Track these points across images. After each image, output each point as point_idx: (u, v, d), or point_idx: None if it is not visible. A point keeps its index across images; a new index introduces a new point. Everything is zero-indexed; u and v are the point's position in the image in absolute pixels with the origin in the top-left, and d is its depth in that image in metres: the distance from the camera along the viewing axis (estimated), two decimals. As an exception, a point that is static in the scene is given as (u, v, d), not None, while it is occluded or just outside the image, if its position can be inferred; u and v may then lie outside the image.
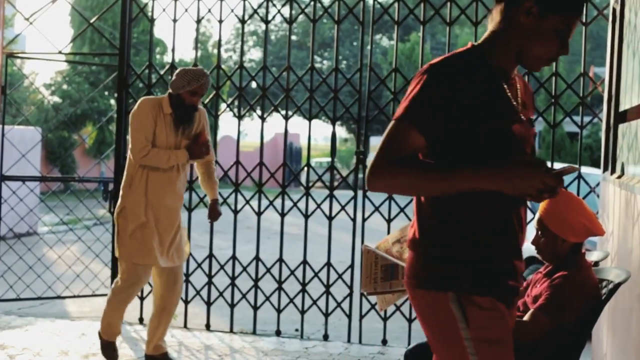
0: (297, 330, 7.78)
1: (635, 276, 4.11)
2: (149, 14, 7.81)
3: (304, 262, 7.43)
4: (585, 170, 7.63)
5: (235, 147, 7.82)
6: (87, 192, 8.92)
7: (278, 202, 7.56)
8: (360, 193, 7.40)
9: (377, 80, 7.45)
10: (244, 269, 7.54)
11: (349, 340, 7.39)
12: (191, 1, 7.61)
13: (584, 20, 6.99)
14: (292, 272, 7.47)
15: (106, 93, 31.97)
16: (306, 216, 7.44)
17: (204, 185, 6.45)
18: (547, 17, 2.73)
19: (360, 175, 7.27)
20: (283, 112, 7.70)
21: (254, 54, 54.36)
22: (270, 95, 7.82)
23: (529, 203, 7.26)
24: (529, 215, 7.39)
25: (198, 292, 7.64)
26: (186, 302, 7.67)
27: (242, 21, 7.62)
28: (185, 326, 7.67)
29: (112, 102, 31.37)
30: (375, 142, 39.91)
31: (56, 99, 30.74)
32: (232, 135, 35.37)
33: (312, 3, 7.46)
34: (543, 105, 30.28)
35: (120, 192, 6.09)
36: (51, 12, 62.55)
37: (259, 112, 7.80)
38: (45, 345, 6.86)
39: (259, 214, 7.57)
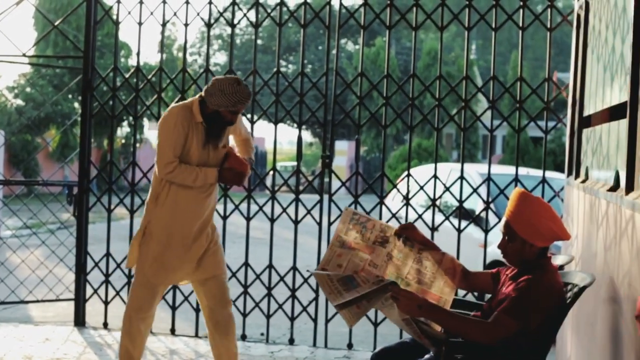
0: (262, 334, 7.77)
1: (600, 280, 4.14)
2: (114, 16, 7.77)
3: (270, 266, 7.42)
4: (549, 174, 7.70)
5: (200, 150, 7.78)
6: (51, 196, 8.85)
7: (243, 206, 7.56)
8: (325, 197, 7.41)
9: (342, 85, 7.48)
10: (210, 273, 7.51)
11: (314, 344, 7.39)
12: (157, 4, 7.59)
13: (548, 26, 7.06)
14: (258, 276, 7.47)
15: (70, 96, 31.78)
16: (272, 220, 7.44)
17: (239, 150, 5.97)
18: None
19: (326, 180, 7.29)
20: (249, 116, 7.69)
21: (219, 58, 54.20)
22: (236, 99, 7.79)
23: (492, 206, 7.33)
24: (494, 219, 7.47)
25: (163, 297, 7.59)
26: (151, 306, 7.63)
27: (208, 25, 7.60)
28: (150, 331, 7.62)
29: (76, 105, 31.18)
30: (341, 146, 39.99)
31: (19, 101, 30.47)
32: (197, 138, 35.21)
33: (278, 7, 7.46)
34: (507, 110, 30.56)
35: (145, 207, 5.56)
36: (15, 14, 62.04)
37: (224, 115, 7.77)
38: (8, 350, 6.80)
39: (224, 217, 7.55)
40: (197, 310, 7.53)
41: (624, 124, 3.98)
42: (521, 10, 7.13)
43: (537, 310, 3.77)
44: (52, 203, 8.74)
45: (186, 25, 7.60)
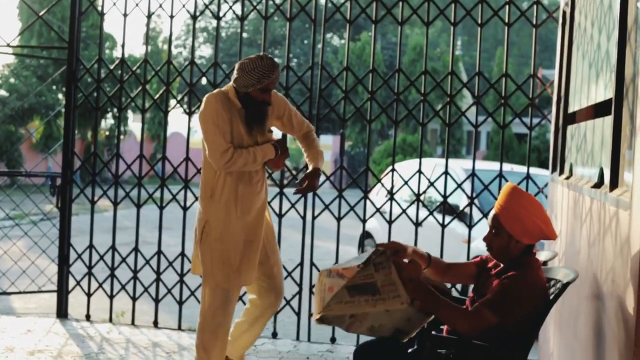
0: (245, 327, 7.75)
1: (583, 276, 4.15)
2: (99, 7, 7.73)
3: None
4: (533, 171, 7.73)
5: (185, 143, 7.78)
6: (34, 187, 8.81)
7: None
8: (310, 191, 7.39)
9: (328, 79, 7.47)
10: (193, 266, 7.50)
11: (297, 338, 7.38)
12: (142, -4, 7.57)
13: (534, 23, 7.07)
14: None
15: (54, 87, 31.67)
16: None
17: (306, 155, 5.68)
18: None
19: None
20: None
21: (205, 51, 54.16)
22: (221, 91, 7.78)
23: (476, 201, 7.34)
24: (478, 214, 7.47)
25: (146, 289, 7.59)
26: (134, 299, 7.62)
27: (194, 17, 7.58)
28: (132, 323, 7.61)
29: (60, 96, 31.07)
30: (326, 141, 39.97)
31: (3, 92, 30.34)
32: (182, 131, 35.21)
33: (263, 0, 7.44)
34: (492, 106, 30.63)
35: (200, 204, 5.30)
36: (-1, 4, 61.66)
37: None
38: (-11, 342, 6.77)
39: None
40: (180, 303, 7.52)
41: (608, 121, 3.99)
42: (507, 7, 7.14)
43: (518, 307, 3.77)
44: (35, 194, 8.71)
45: (171, 17, 7.57)
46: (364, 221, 7.47)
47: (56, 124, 30.17)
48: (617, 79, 3.77)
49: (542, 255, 4.65)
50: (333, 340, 7.28)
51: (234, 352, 5.58)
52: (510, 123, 7.39)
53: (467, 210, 7.69)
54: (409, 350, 4.03)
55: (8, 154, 26.81)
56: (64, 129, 7.78)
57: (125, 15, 7.60)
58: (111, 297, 7.70)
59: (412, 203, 7.39)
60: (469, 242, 7.28)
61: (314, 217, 7.30)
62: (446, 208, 7.38)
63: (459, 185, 7.28)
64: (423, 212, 8.02)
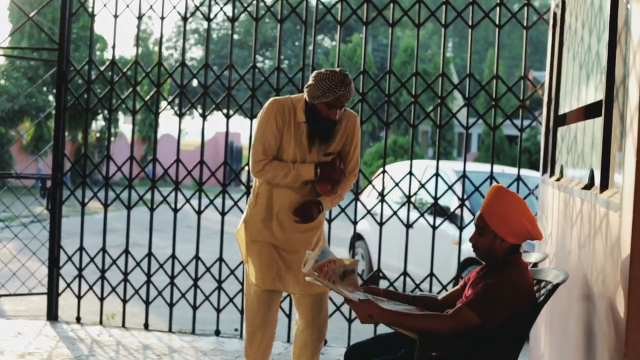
0: (236, 329, 7.76)
1: (573, 277, 4.16)
2: (90, 9, 7.71)
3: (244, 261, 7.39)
4: (524, 172, 7.74)
5: (175, 145, 7.77)
6: (24, 189, 8.76)
7: (218, 201, 7.53)
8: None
9: (319, 80, 7.45)
10: (184, 268, 7.50)
11: (288, 340, 7.38)
12: (133, -3, 7.56)
13: (525, 24, 7.08)
14: (232, 272, 7.44)
15: (45, 89, 31.53)
16: (247, 215, 7.40)
17: None
18: None
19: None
20: (224, 111, 7.67)
21: (196, 52, 54.03)
22: (211, 93, 7.78)
23: (467, 203, 7.33)
24: (469, 216, 7.48)
25: (137, 291, 7.57)
26: (124, 301, 7.60)
27: (184, 18, 7.57)
28: (123, 325, 7.59)
29: (51, 98, 30.94)
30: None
31: (-7, 93, 30.23)
32: (173, 133, 35.16)
33: (254, 2, 7.43)
34: (483, 108, 30.67)
35: (247, 205, 5.18)
36: (-11, 5, 61.49)
37: (200, 110, 7.75)
38: (-21, 345, 6.75)
39: (199, 212, 7.52)
40: (171, 305, 7.50)
41: (599, 122, 3.99)
42: (498, 8, 7.14)
43: (501, 307, 3.76)
44: (26, 196, 8.67)
45: (162, 18, 7.56)
46: (354, 223, 7.46)
47: (47, 125, 30.07)
48: (607, 80, 3.78)
49: (532, 257, 4.65)
50: (324, 342, 7.27)
51: None
52: (501, 125, 7.41)
53: (458, 212, 7.69)
54: (401, 352, 4.03)
55: (-2, 155, 26.71)
56: (54, 131, 7.75)
57: (115, 16, 7.59)
58: (101, 299, 7.68)
59: (403, 205, 7.39)
60: (459, 243, 7.29)
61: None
62: (437, 210, 7.38)
63: (450, 187, 7.29)
64: (414, 214, 8.01)
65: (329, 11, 7.36)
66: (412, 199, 7.36)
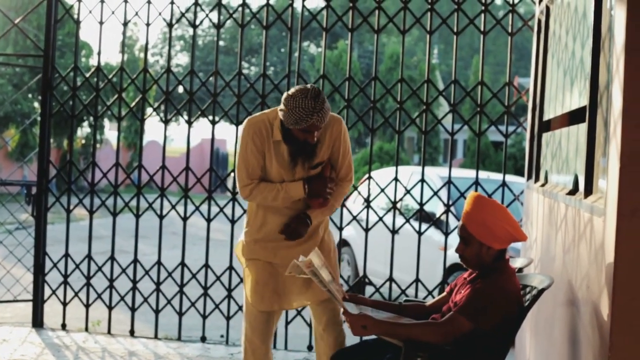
0: (222, 336, 7.74)
1: (558, 282, 4.18)
2: (75, 15, 7.70)
3: (230, 267, 7.40)
4: (509, 178, 7.76)
5: (161, 152, 7.75)
6: (9, 196, 8.74)
7: (204, 208, 7.53)
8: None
9: (304, 87, 7.46)
10: (169, 274, 7.48)
11: (274, 347, 7.36)
12: (118, 3, 7.55)
13: (510, 31, 7.12)
14: (218, 278, 7.43)
15: (30, 95, 31.46)
16: (232, 222, 7.41)
17: None
18: None
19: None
20: (210, 117, 7.67)
21: (181, 59, 53.99)
22: (197, 100, 7.79)
23: (452, 209, 7.36)
24: (454, 222, 7.50)
25: (122, 298, 7.55)
26: (110, 307, 7.58)
27: (170, 25, 7.57)
28: (109, 332, 7.57)
29: (36, 104, 30.87)
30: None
31: (-22, 100, 30.15)
32: (158, 140, 35.10)
33: (240, 8, 7.44)
34: (468, 114, 30.72)
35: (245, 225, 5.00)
36: (-26, 12, 61.27)
37: (185, 116, 7.74)
38: (-36, 352, 6.72)
39: (184, 219, 7.52)
40: (156, 311, 7.49)
41: (583, 128, 4.02)
42: (483, 15, 7.17)
43: (491, 312, 3.79)
44: (11, 203, 8.64)
45: (148, 25, 7.56)
46: (340, 229, 7.47)
47: (32, 132, 29.97)
48: (591, 86, 3.80)
49: (517, 262, 4.68)
50: (310, 348, 7.27)
51: None
52: (486, 131, 7.43)
53: (443, 217, 7.71)
54: (385, 358, 4.04)
55: (-17, 162, 26.62)
56: (39, 138, 7.74)
57: (101, 23, 7.58)
58: (87, 306, 7.66)
59: (389, 211, 7.40)
60: (445, 249, 7.30)
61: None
62: (423, 216, 7.40)
63: (436, 193, 7.31)
64: (400, 220, 8.03)
65: (314, 18, 7.38)
66: (398, 205, 7.37)
